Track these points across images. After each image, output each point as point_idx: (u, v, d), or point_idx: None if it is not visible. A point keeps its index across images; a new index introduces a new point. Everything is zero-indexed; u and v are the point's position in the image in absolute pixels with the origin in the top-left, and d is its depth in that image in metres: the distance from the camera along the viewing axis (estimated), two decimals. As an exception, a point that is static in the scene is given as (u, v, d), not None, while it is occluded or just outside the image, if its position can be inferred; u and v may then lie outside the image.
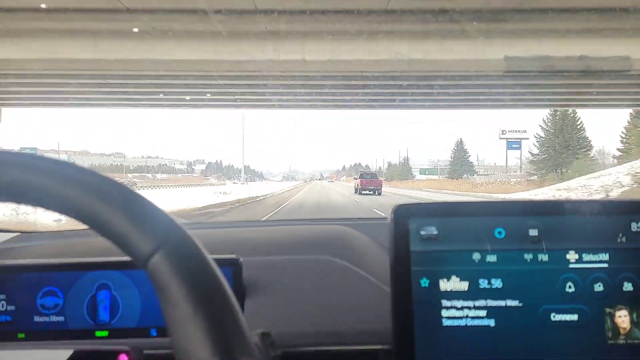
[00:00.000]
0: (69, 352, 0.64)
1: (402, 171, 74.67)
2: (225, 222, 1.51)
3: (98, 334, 0.75)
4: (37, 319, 0.76)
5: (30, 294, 0.76)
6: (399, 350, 0.53)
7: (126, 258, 0.81)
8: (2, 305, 0.76)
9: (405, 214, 0.56)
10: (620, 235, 0.54)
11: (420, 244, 0.55)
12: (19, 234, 1.23)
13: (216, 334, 0.32)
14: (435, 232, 0.55)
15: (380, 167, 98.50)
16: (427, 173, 72.76)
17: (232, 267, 0.74)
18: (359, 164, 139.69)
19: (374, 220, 1.29)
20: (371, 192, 29.19)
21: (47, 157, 0.36)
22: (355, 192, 30.32)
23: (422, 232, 0.55)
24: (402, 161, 77.73)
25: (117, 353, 0.60)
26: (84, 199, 0.34)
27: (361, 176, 32.04)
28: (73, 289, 0.76)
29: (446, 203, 0.57)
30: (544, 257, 0.54)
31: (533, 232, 0.55)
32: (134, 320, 0.76)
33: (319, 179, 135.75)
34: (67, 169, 0.35)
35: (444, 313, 0.54)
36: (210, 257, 0.36)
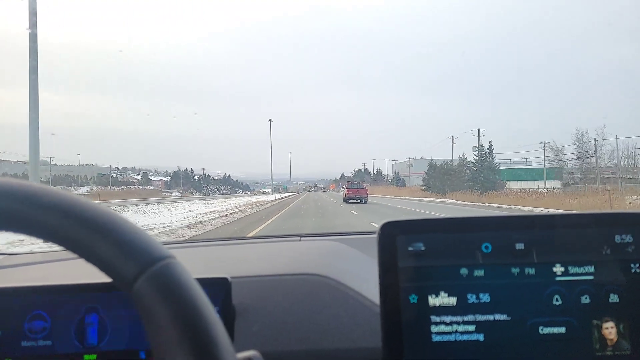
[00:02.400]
0: None
1: (476, 173, 43.97)
2: (216, 239, 1.49)
3: (86, 357, 0.74)
4: (24, 343, 0.75)
5: (16, 318, 0.75)
6: None
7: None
8: None
9: (392, 230, 0.56)
10: (605, 247, 0.55)
11: (409, 259, 0.55)
12: (4, 256, 1.21)
13: (202, 357, 0.32)
14: (423, 248, 0.55)
15: (397, 172, 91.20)
16: (524, 179, 48.06)
17: (221, 287, 0.73)
18: (364, 169, 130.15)
19: (366, 235, 1.29)
20: (358, 201, 31.62)
21: (25, 183, 0.35)
22: (343, 201, 32.73)
23: (410, 248, 0.55)
24: (478, 157, 45.28)
25: None
26: (64, 224, 0.33)
27: (348, 186, 34.76)
28: (61, 313, 0.75)
29: (433, 219, 0.57)
30: (530, 271, 0.55)
31: (519, 246, 0.55)
32: (122, 343, 0.75)
33: (314, 190, 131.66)
34: (47, 194, 0.34)
35: (433, 329, 0.54)
36: (195, 281, 0.36)
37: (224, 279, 0.74)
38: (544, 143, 48.18)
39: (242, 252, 1.14)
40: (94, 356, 0.74)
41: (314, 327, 0.74)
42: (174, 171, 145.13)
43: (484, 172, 43.76)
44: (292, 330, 0.73)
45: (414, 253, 0.55)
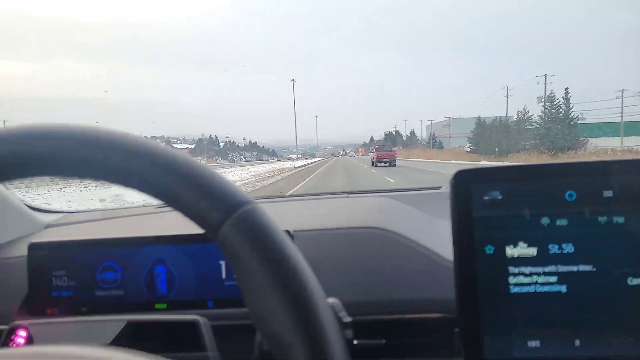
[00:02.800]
0: (132, 323, 0.65)
1: (546, 130, 35.48)
2: (272, 196, 1.50)
3: (157, 306, 0.77)
4: (97, 293, 0.78)
5: (90, 270, 0.79)
6: (464, 318, 0.53)
7: (180, 233, 0.82)
8: (64, 280, 0.79)
9: (466, 178, 0.53)
10: None
11: (484, 209, 0.53)
12: (65, 214, 1.26)
13: (295, 301, 0.32)
14: (500, 197, 0.53)
15: (433, 134, 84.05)
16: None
17: None
18: (395, 132, 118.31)
19: (420, 191, 1.27)
20: (387, 164, 32.38)
21: (112, 131, 0.35)
22: (372, 165, 33.57)
23: (486, 197, 0.53)
24: (548, 110, 36.50)
25: (188, 323, 0.61)
26: (152, 172, 0.34)
27: (377, 149, 35.26)
28: (130, 264, 0.78)
29: (511, 166, 0.54)
30: (619, 220, 0.52)
31: (607, 194, 0.52)
32: (190, 293, 0.77)
33: (341, 155, 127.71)
34: (134, 142, 0.35)
35: (511, 280, 0.52)
36: (277, 224, 0.36)
37: (287, 231, 0.75)
38: (621, 92, 39.88)
39: (292, 208, 1.15)
40: (165, 305, 0.77)
41: (379, 279, 0.74)
42: (199, 138, 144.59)
43: (558, 128, 34.73)
44: (357, 282, 0.74)
45: (490, 202, 0.53)
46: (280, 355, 0.32)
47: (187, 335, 0.62)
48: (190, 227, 1.01)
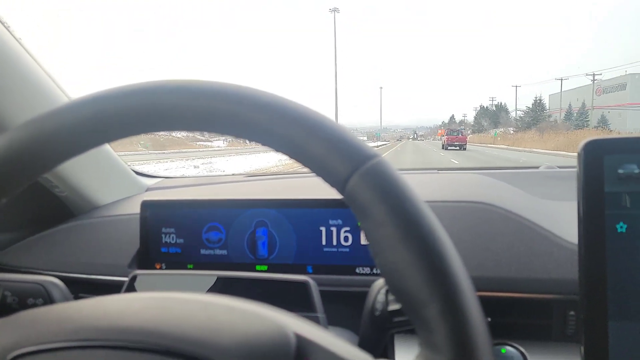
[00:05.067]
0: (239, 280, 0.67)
1: None
2: None
3: (258, 267, 0.79)
4: (203, 251, 0.82)
5: (196, 229, 0.82)
6: (589, 302, 0.48)
7: (281, 197, 0.83)
8: (172, 238, 0.83)
9: (598, 149, 0.49)
10: None
11: (617, 184, 0.48)
12: (162, 178, 1.33)
13: (429, 255, 0.31)
14: (637, 171, 0.48)
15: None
16: None
17: None
18: (482, 106, 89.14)
19: (516, 169, 1.21)
20: (457, 148, 33.99)
21: (236, 85, 0.36)
22: (443, 148, 35.09)
23: (621, 171, 0.48)
24: None
25: (294, 283, 0.62)
26: (279, 125, 0.34)
27: (448, 133, 36.94)
28: (234, 225, 0.81)
29: None
30: None
31: None
32: (290, 257, 0.79)
33: (412, 139, 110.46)
34: (260, 95, 0.35)
35: None
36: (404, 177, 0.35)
37: None
38: None
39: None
40: (265, 267, 0.79)
41: (488, 255, 0.71)
42: None
43: None
44: (465, 257, 0.71)
45: (626, 176, 0.48)
46: (411, 313, 0.31)
47: (294, 296, 0.62)
48: (287, 193, 1.01)
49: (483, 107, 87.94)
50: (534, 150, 30.55)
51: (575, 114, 52.09)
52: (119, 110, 0.36)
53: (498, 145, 41.39)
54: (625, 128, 44.76)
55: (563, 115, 53.60)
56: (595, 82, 50.11)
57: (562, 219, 0.76)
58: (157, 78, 0.35)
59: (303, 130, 0.34)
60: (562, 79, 57.07)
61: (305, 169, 0.35)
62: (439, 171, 1.21)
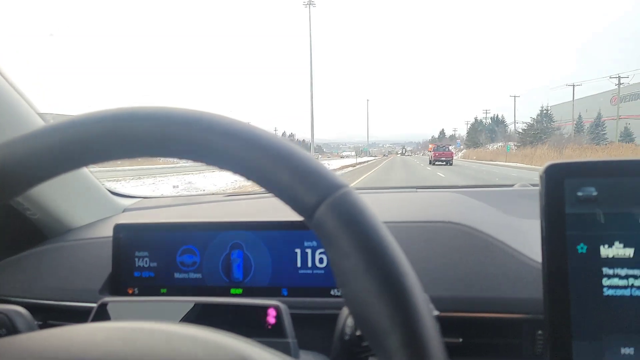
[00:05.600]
0: (210, 306, 0.66)
1: None
2: None
3: (233, 291, 0.78)
4: (177, 275, 0.81)
5: (170, 252, 0.81)
6: (552, 321, 0.50)
7: (257, 219, 0.82)
8: (146, 261, 0.82)
9: (559, 172, 0.51)
10: None
11: (577, 206, 0.50)
12: (140, 199, 1.31)
13: (391, 285, 0.31)
14: (595, 193, 0.50)
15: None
16: None
17: None
18: (477, 119, 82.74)
19: (491, 188, 1.22)
20: (444, 163, 35.15)
21: (210, 113, 0.36)
22: (430, 163, 36.42)
23: (579, 193, 0.50)
24: None
25: (266, 308, 0.62)
26: (248, 154, 0.34)
27: (435, 149, 38.30)
28: (209, 248, 0.80)
29: (607, 161, 0.51)
30: None
31: None
32: (265, 279, 0.78)
33: (400, 154, 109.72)
34: (232, 124, 0.35)
35: (605, 282, 0.49)
36: (371, 208, 0.35)
37: None
38: None
39: (374, 198, 1.13)
40: (240, 290, 0.78)
41: (457, 275, 0.71)
42: None
43: None
44: (434, 277, 0.71)
45: (585, 198, 0.50)
46: (373, 342, 0.32)
47: (266, 320, 0.61)
48: (264, 215, 1.00)
49: (477, 120, 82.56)
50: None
51: (587, 126, 44.98)
52: (89, 137, 0.35)
53: (511, 163, 33.61)
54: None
55: (574, 127, 45.84)
56: (620, 86, 40.93)
57: (532, 238, 0.77)
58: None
59: (272, 159, 0.34)
60: (574, 85, 46.02)
61: None
62: (417, 190, 1.22)
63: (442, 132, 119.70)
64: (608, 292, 0.49)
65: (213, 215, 1.03)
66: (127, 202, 1.23)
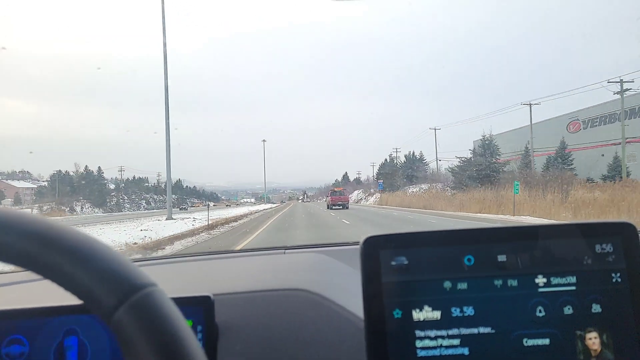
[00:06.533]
0: None
1: None
2: (199, 253, 1.47)
3: None
4: None
5: None
6: None
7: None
8: None
9: (375, 245, 0.56)
10: (586, 257, 0.56)
11: (392, 274, 0.55)
12: None
13: None
14: (406, 262, 0.55)
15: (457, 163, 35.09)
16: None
17: (204, 306, 0.72)
18: (387, 160, 69.64)
19: (352, 245, 1.29)
20: (341, 207, 38.56)
21: (16, 212, 0.34)
22: (327, 208, 39.60)
23: (393, 263, 0.55)
24: None
25: None
26: (40, 252, 0.32)
27: (331, 194, 42.51)
28: (39, 336, 0.73)
29: (415, 233, 0.57)
30: (513, 283, 0.55)
31: (502, 258, 0.56)
32: None
33: (301, 200, 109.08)
34: (23, 220, 0.33)
35: (418, 343, 0.54)
36: (177, 310, 0.34)
37: (207, 298, 0.73)
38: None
39: (225, 267, 1.13)
40: None
41: (298, 344, 0.73)
42: (54, 172, 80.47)
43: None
44: (276, 347, 0.73)
45: (397, 267, 0.55)
46: None
47: None
48: None
49: (387, 160, 69.27)
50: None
51: (544, 159, 34.02)
52: None
53: (523, 217, 18.76)
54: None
55: (519, 162, 35.67)
56: (624, 92, 28.13)
57: None
58: None
59: (70, 259, 0.32)
60: (530, 104, 34.63)
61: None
62: (285, 251, 1.25)
63: (345, 176, 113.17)
64: (421, 353, 0.54)
65: (52, 294, 0.95)
66: None
